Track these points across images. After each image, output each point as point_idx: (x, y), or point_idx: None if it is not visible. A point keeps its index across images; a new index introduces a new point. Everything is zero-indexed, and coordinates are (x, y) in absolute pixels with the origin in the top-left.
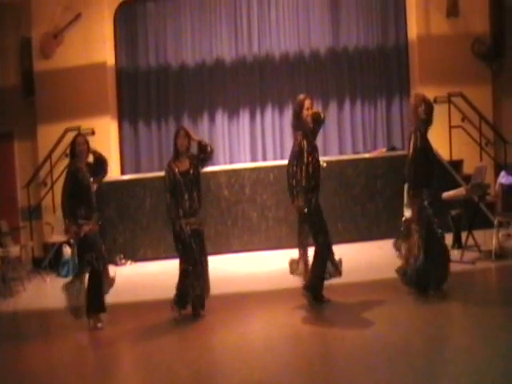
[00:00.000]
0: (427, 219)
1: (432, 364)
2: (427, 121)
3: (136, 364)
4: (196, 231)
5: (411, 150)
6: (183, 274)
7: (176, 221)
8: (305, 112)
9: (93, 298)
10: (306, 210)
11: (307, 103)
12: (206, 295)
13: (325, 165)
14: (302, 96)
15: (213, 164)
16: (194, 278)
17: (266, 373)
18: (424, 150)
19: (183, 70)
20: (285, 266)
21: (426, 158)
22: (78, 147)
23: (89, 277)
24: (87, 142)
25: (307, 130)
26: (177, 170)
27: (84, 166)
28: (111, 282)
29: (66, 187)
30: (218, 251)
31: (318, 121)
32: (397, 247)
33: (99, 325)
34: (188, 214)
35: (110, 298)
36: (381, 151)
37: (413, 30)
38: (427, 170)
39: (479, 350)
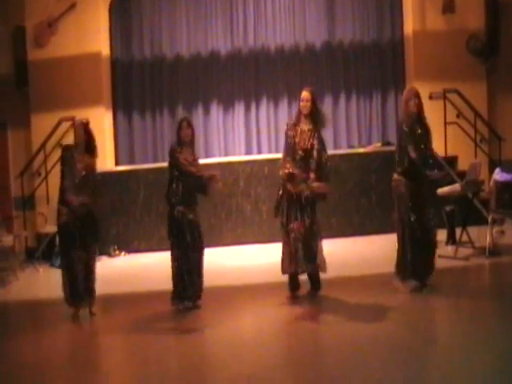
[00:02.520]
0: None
1: (424, 360)
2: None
3: (127, 356)
4: (193, 222)
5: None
6: (175, 265)
7: (175, 206)
8: (300, 103)
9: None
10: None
11: (302, 95)
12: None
13: None
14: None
15: (207, 157)
16: (187, 268)
17: (257, 367)
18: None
19: (178, 62)
20: (278, 259)
21: None
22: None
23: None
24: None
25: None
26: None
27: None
28: None
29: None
30: (211, 244)
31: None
32: None
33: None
34: (187, 203)
35: (103, 288)
36: (375, 146)
37: (408, 25)
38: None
39: (471, 346)
